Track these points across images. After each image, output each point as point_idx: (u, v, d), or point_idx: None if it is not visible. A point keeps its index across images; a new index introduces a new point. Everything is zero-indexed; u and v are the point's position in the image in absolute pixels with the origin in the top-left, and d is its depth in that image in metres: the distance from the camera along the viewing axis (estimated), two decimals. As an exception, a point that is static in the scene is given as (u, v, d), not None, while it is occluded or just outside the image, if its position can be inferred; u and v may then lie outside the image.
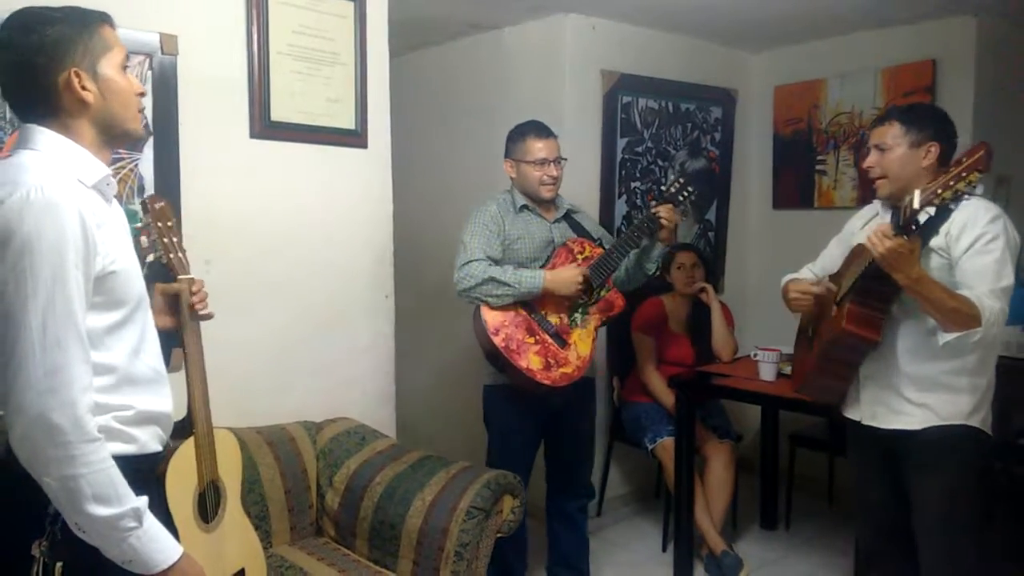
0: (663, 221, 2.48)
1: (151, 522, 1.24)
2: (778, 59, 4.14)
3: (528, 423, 2.63)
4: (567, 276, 2.47)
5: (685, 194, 2.55)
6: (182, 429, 1.51)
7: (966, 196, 1.71)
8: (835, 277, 2.18)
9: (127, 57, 1.34)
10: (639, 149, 3.76)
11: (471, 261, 2.46)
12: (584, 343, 2.53)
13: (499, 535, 2.24)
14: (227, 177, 2.44)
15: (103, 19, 1.32)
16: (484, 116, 3.63)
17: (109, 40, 1.30)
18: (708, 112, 4.05)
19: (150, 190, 2.25)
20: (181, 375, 1.55)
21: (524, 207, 2.62)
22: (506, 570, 2.62)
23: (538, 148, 2.57)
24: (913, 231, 1.76)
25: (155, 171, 2.27)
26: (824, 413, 2.96)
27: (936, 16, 3.44)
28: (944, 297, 1.82)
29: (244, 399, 2.43)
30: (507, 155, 2.65)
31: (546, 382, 2.44)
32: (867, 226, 2.18)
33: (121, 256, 1.27)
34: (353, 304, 2.76)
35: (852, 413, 2.15)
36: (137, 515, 1.21)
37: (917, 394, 1.99)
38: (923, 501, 2.02)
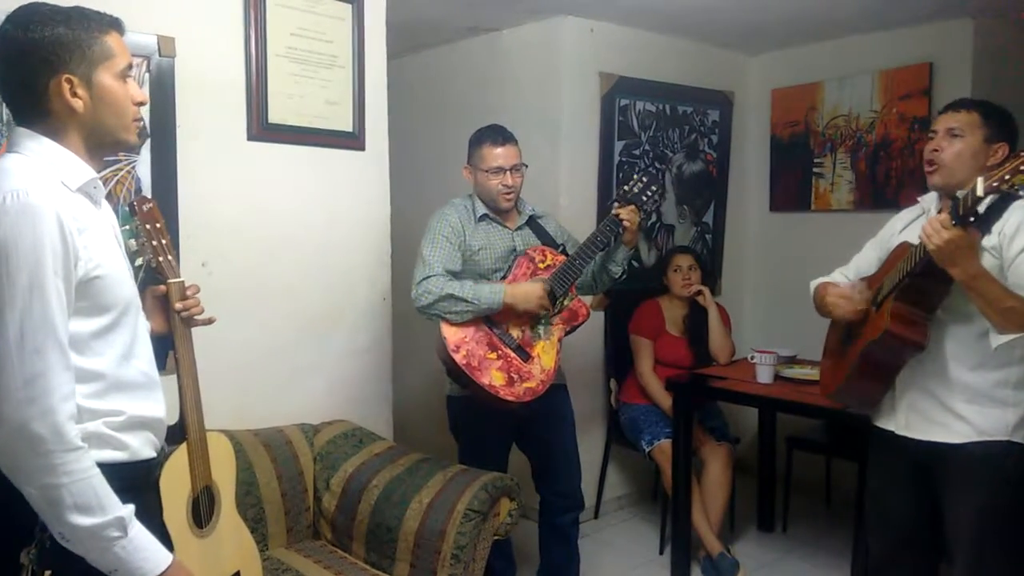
0: (625, 223, 2.43)
1: (137, 531, 1.21)
2: (775, 62, 4.15)
3: (494, 433, 2.58)
4: (528, 291, 2.39)
5: (648, 194, 2.48)
6: (173, 435, 1.50)
7: None
8: (872, 280, 2.08)
9: (131, 66, 1.31)
10: (637, 152, 3.76)
11: (429, 276, 2.38)
12: (548, 355, 2.45)
13: (496, 537, 2.24)
14: (224, 179, 2.44)
15: (111, 25, 1.28)
16: (482, 119, 3.59)
17: (112, 48, 1.27)
18: (705, 115, 4.06)
19: (147, 192, 2.25)
20: (173, 379, 1.54)
21: (484, 216, 2.53)
22: (494, 572, 2.55)
23: (494, 156, 2.47)
24: (972, 221, 1.64)
25: (152, 173, 2.27)
26: (821, 415, 2.97)
27: (933, 19, 3.44)
28: (1002, 295, 1.73)
29: (241, 401, 2.44)
30: (467, 160, 2.56)
31: (510, 398, 2.36)
32: (910, 226, 2.09)
33: (106, 260, 1.24)
34: (350, 306, 2.76)
35: (885, 423, 2.04)
36: (121, 525, 1.18)
37: (958, 405, 1.89)
38: (958, 518, 1.92)
